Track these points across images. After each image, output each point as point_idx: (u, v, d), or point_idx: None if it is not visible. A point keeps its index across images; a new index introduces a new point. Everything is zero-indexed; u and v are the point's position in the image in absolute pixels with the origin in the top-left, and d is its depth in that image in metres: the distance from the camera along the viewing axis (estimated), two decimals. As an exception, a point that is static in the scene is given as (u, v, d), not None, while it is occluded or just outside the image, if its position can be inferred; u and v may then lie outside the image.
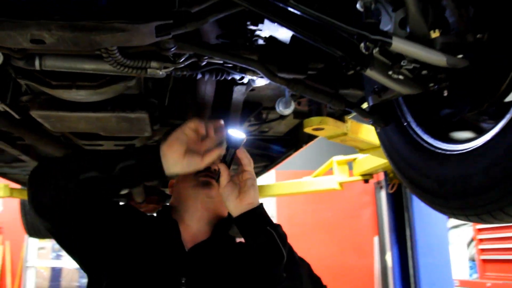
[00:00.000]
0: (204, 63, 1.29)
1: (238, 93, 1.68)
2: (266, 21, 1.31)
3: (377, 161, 3.11)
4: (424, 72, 1.05)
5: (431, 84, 1.11)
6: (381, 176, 3.96)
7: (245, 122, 2.02)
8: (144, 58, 1.22)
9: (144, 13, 0.97)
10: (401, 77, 1.10)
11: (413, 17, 0.99)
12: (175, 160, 1.22)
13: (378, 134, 1.45)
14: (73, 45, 1.01)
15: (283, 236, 1.29)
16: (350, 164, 3.69)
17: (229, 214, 1.35)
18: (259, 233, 1.26)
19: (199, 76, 1.38)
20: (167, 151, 1.22)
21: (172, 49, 1.19)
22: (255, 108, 1.96)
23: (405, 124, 1.33)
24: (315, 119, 1.82)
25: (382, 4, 1.10)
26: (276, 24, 1.28)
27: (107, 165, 1.21)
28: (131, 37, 1.02)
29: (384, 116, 1.32)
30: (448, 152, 1.16)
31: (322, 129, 1.88)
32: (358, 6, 1.02)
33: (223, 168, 1.29)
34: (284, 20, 1.01)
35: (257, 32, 1.32)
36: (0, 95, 1.54)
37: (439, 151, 1.19)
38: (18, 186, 3.72)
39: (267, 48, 1.25)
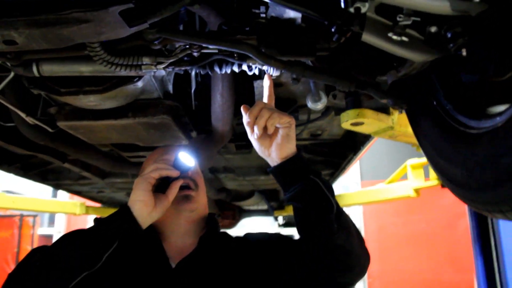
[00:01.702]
0: (197, 54, 1.20)
1: (260, 88, 1.57)
2: (271, 3, 1.21)
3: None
4: (434, 28, 0.87)
5: (451, 45, 0.92)
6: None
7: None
8: (134, 54, 1.17)
9: (99, -1, 0.91)
10: (405, 38, 0.92)
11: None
12: (149, 214, 1.22)
13: (408, 115, 1.25)
14: (44, 42, 0.98)
15: (328, 184, 1.20)
16: (426, 168, 3.37)
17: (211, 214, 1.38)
18: (302, 182, 1.18)
19: (197, 70, 1.29)
20: (140, 210, 1.21)
21: (158, 41, 1.13)
22: (290, 106, 1.83)
23: (434, 103, 1.12)
24: (351, 112, 1.63)
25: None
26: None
27: (94, 258, 1.15)
28: (100, 29, 0.97)
29: (405, 95, 1.13)
30: (478, 131, 0.94)
31: (361, 123, 1.68)
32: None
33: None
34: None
35: (262, 15, 1.21)
36: (30, 110, 1.60)
37: (471, 130, 0.98)
38: (95, 204, 3.93)
39: (267, 30, 1.13)
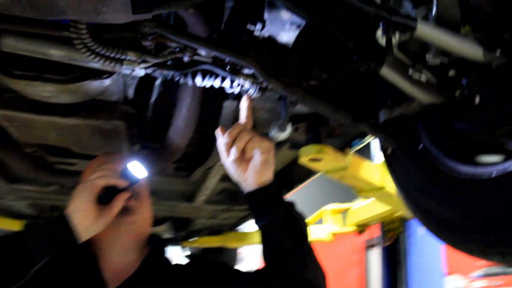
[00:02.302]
0: (188, 59, 1.11)
1: (228, 109, 1.50)
2: (267, 21, 1.17)
3: (372, 211, 2.90)
4: (452, 72, 0.89)
5: (458, 92, 0.95)
6: (375, 233, 3.72)
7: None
8: (121, 47, 1.05)
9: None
10: (423, 77, 0.93)
11: (444, 7, 0.84)
12: (88, 226, 1.08)
13: (387, 158, 1.27)
14: (30, 8, 0.83)
15: (301, 216, 1.16)
16: (344, 214, 3.48)
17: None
18: (277, 210, 1.12)
19: (182, 79, 1.20)
20: (80, 221, 1.07)
21: (152, 36, 1.03)
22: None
23: (420, 146, 1.15)
24: (313, 147, 1.63)
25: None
26: (278, 23, 1.13)
27: (19, 272, 1.00)
28: (102, 7, 0.85)
29: (395, 135, 1.14)
30: (477, 178, 0.97)
31: (320, 160, 1.68)
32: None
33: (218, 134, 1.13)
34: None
35: (256, 33, 1.17)
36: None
37: (465, 176, 1.00)
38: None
39: (264, 48, 1.09)
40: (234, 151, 1.11)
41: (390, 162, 1.25)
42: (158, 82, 1.52)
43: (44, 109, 1.40)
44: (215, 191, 2.73)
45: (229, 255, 4.53)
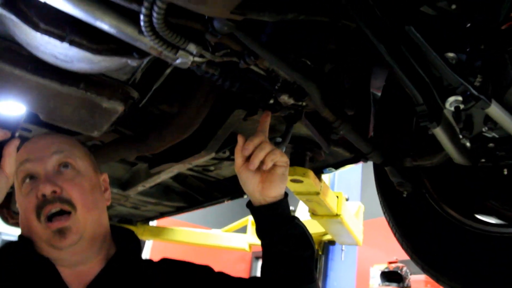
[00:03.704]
0: (242, 66, 1.06)
1: (235, 118, 1.44)
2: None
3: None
4: (491, 144, 0.97)
5: (483, 160, 1.04)
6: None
7: (214, 152, 1.76)
8: (183, 35, 0.96)
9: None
10: (468, 144, 0.99)
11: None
12: None
13: (385, 202, 1.32)
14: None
15: (307, 229, 1.15)
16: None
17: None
18: (288, 225, 1.10)
19: (220, 81, 1.14)
20: None
21: (220, 36, 0.96)
22: (234, 141, 1.73)
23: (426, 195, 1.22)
24: (299, 170, 1.64)
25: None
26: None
27: None
28: (209, -2, 0.78)
29: (411, 180, 1.20)
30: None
31: (300, 181, 1.70)
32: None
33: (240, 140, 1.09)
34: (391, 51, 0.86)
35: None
36: None
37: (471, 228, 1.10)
38: None
39: (326, 79, 1.07)
40: (255, 161, 1.08)
41: (394, 202, 1.32)
42: (168, 70, 1.40)
43: (40, 70, 1.22)
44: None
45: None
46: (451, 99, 0.92)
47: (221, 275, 1.21)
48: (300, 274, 1.10)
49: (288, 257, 1.10)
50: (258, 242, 3.61)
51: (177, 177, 2.74)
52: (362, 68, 1.17)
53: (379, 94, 1.29)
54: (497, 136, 0.99)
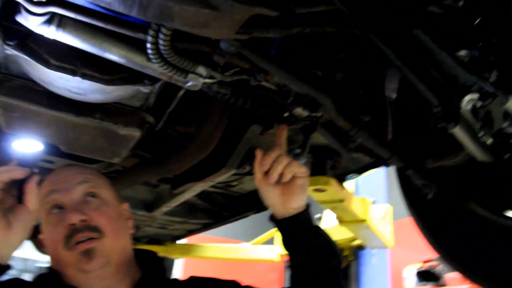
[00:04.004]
0: (254, 83, 1.06)
1: (252, 133, 1.44)
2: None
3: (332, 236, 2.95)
4: None
5: (507, 155, 1.01)
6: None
7: (234, 168, 1.76)
8: (192, 59, 0.97)
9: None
10: (489, 141, 0.97)
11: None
12: (2, 241, 0.91)
13: (410, 204, 1.30)
14: (138, 7, 0.74)
15: (330, 237, 1.15)
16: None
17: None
18: (313, 236, 1.10)
19: (232, 100, 1.14)
20: None
21: (228, 56, 0.96)
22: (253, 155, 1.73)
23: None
24: (321, 179, 1.63)
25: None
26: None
27: None
28: (212, 22, 0.78)
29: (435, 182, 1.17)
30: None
31: (323, 190, 1.68)
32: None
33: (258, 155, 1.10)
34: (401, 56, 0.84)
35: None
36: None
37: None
38: None
39: (341, 86, 1.06)
40: (274, 174, 1.08)
41: (420, 204, 1.29)
42: (181, 93, 1.42)
43: (55, 104, 1.24)
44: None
45: (168, 265, 4.37)
46: (467, 97, 0.90)
47: None
48: (326, 285, 1.09)
49: (313, 269, 1.10)
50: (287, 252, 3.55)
51: (201, 195, 2.75)
52: (374, 73, 1.16)
53: (394, 96, 1.27)
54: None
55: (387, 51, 0.85)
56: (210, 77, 1.01)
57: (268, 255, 3.50)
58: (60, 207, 1.06)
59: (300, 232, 1.10)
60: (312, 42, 1.03)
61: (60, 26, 0.88)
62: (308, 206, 1.13)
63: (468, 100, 0.89)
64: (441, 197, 1.21)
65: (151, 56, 0.91)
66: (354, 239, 2.75)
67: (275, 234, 3.56)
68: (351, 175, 1.90)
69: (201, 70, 0.98)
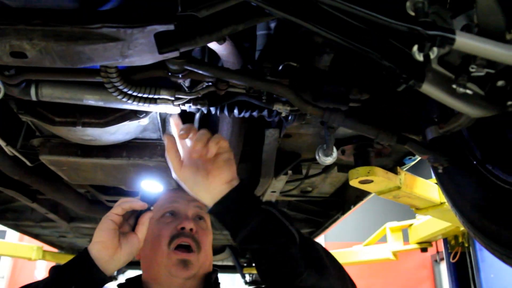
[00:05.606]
0: (222, 93, 1.09)
1: (271, 138, 1.46)
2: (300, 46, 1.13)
3: (435, 226, 2.73)
4: (501, 82, 0.80)
5: (510, 102, 0.86)
6: (440, 246, 3.51)
7: (281, 176, 1.78)
8: (153, 86, 1.05)
9: (137, 16, 0.79)
10: (469, 91, 0.85)
11: (486, 14, 0.76)
12: (111, 257, 1.07)
13: (439, 177, 1.17)
14: (59, 60, 0.84)
15: (285, 213, 0.98)
16: (405, 232, 3.30)
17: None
18: (253, 215, 0.94)
19: (218, 113, 1.18)
20: (99, 253, 1.06)
21: (182, 74, 1.01)
22: (292, 160, 1.73)
23: (475, 162, 1.05)
24: (362, 169, 1.55)
25: (437, 9, 0.88)
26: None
27: None
28: (127, 51, 0.85)
29: (447, 153, 1.05)
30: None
31: (370, 181, 1.60)
32: (407, 7, 0.81)
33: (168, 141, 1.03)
34: (317, 22, 0.81)
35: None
36: (11, 139, 1.42)
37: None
38: (52, 249, 3.59)
39: (300, 73, 1.04)
40: (198, 146, 0.98)
41: (442, 180, 1.16)
42: (197, 116, 1.50)
43: (86, 152, 1.42)
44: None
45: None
46: (414, 49, 0.82)
47: None
48: (281, 269, 0.93)
49: (262, 252, 0.95)
50: (401, 248, 3.42)
51: (289, 206, 2.79)
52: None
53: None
54: (492, 72, 0.83)
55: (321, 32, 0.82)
56: (177, 99, 1.07)
57: (381, 254, 3.36)
58: (174, 214, 1.29)
59: (238, 213, 0.97)
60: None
61: (38, 88, 1.04)
62: (242, 181, 1.01)
63: (415, 51, 0.81)
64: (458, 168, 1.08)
65: (114, 94, 1.02)
66: (457, 226, 2.50)
67: (387, 231, 3.40)
68: (408, 157, 1.77)
69: (165, 93, 1.05)
